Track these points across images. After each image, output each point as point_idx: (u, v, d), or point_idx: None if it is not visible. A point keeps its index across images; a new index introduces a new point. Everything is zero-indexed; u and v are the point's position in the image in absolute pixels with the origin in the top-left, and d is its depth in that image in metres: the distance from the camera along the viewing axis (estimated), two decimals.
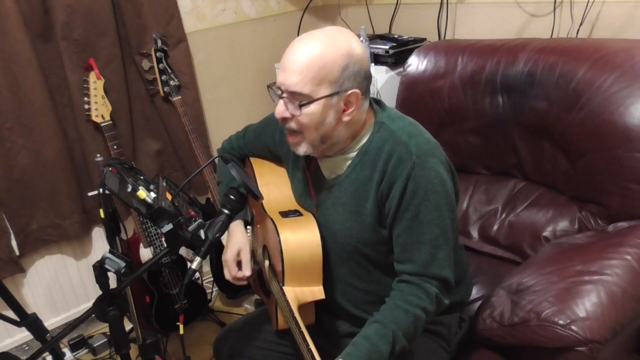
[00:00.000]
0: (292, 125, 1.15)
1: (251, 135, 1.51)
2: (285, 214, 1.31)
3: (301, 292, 1.23)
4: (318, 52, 1.08)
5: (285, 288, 1.23)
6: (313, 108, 1.11)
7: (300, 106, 1.10)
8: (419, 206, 1.12)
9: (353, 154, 1.22)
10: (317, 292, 1.25)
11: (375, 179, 1.16)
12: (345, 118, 1.14)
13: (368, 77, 1.16)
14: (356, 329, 1.32)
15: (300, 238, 1.23)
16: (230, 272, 1.39)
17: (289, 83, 1.10)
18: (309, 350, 1.06)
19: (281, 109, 1.14)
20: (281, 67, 1.12)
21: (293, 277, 1.23)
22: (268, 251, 1.37)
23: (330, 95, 1.10)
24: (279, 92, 1.14)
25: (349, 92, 1.11)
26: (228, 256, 1.39)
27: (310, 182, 1.30)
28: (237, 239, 1.41)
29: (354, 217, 1.21)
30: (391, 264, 1.22)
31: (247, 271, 1.38)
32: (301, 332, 1.11)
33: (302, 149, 1.18)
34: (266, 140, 1.45)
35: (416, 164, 1.11)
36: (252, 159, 1.51)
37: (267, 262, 1.40)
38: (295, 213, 1.32)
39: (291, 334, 1.34)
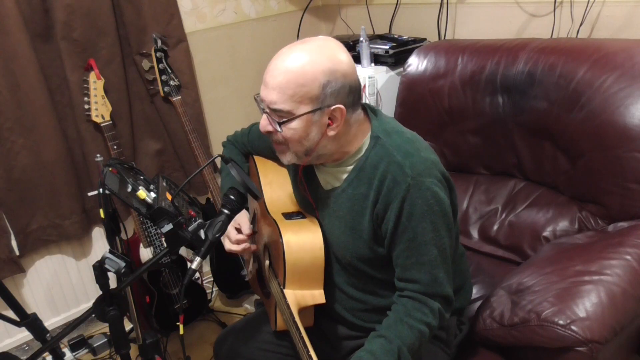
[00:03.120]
0: (277, 138, 1.14)
1: (255, 133, 1.50)
2: (288, 216, 1.31)
3: (302, 295, 1.23)
4: (297, 68, 1.05)
5: (285, 291, 1.22)
6: (295, 124, 1.09)
7: (280, 124, 1.09)
8: (415, 228, 1.10)
9: (349, 167, 1.19)
10: (317, 296, 1.24)
11: (370, 197, 1.14)
12: (331, 132, 1.11)
13: (354, 91, 1.11)
14: (355, 333, 1.32)
15: (303, 241, 1.22)
16: (230, 237, 1.36)
17: (269, 100, 1.09)
18: (309, 356, 1.06)
19: (264, 124, 1.14)
20: (263, 81, 1.11)
21: (294, 280, 1.22)
22: (269, 251, 1.37)
23: (312, 112, 1.08)
24: (262, 106, 1.13)
25: (332, 107, 1.08)
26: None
27: (308, 191, 1.29)
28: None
29: (350, 232, 1.20)
30: (386, 278, 1.21)
31: (246, 230, 1.35)
32: (301, 338, 1.10)
33: (287, 158, 1.17)
34: (269, 141, 1.44)
35: (411, 186, 1.08)
36: (256, 158, 1.51)
37: (267, 262, 1.39)
38: (298, 215, 1.31)
39: (290, 335, 1.34)
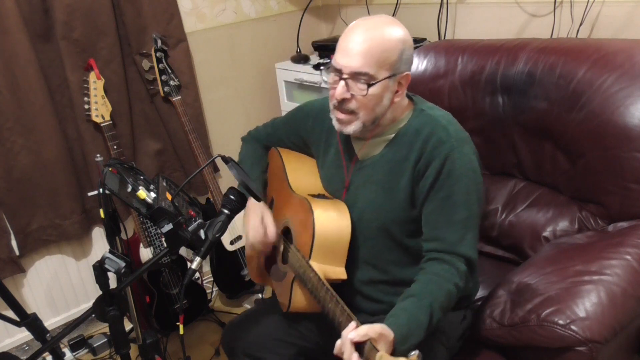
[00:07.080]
0: (351, 105, 1.19)
1: (280, 123, 1.55)
2: (316, 196, 1.36)
3: (325, 268, 1.26)
4: (380, 36, 1.15)
5: (311, 262, 1.25)
6: (375, 89, 1.16)
7: (369, 86, 1.15)
8: (452, 187, 1.17)
9: (390, 136, 1.26)
10: (339, 272, 1.28)
11: (412, 158, 1.21)
12: (396, 99, 1.21)
13: (413, 63, 1.25)
14: (369, 317, 1.31)
15: (332, 218, 1.28)
16: (255, 240, 1.36)
17: (354, 65, 1.14)
18: (343, 310, 1.07)
19: (342, 91, 1.18)
20: (342, 51, 1.17)
21: (319, 254, 1.26)
22: (291, 230, 1.39)
23: (389, 77, 1.17)
24: (339, 74, 1.17)
25: (403, 74, 1.19)
26: (254, 220, 1.37)
27: (344, 163, 1.34)
28: (256, 207, 1.40)
29: (385, 194, 1.25)
30: (412, 245, 1.25)
31: (273, 228, 1.38)
32: (333, 296, 1.12)
33: (352, 128, 1.22)
34: (296, 126, 1.49)
35: (454, 147, 1.17)
36: (279, 147, 1.56)
37: (282, 247, 1.41)
38: (324, 197, 1.38)
39: (299, 319, 1.36)
